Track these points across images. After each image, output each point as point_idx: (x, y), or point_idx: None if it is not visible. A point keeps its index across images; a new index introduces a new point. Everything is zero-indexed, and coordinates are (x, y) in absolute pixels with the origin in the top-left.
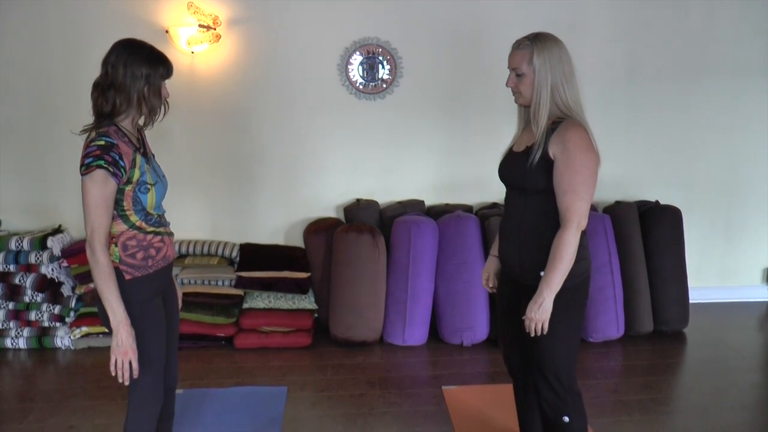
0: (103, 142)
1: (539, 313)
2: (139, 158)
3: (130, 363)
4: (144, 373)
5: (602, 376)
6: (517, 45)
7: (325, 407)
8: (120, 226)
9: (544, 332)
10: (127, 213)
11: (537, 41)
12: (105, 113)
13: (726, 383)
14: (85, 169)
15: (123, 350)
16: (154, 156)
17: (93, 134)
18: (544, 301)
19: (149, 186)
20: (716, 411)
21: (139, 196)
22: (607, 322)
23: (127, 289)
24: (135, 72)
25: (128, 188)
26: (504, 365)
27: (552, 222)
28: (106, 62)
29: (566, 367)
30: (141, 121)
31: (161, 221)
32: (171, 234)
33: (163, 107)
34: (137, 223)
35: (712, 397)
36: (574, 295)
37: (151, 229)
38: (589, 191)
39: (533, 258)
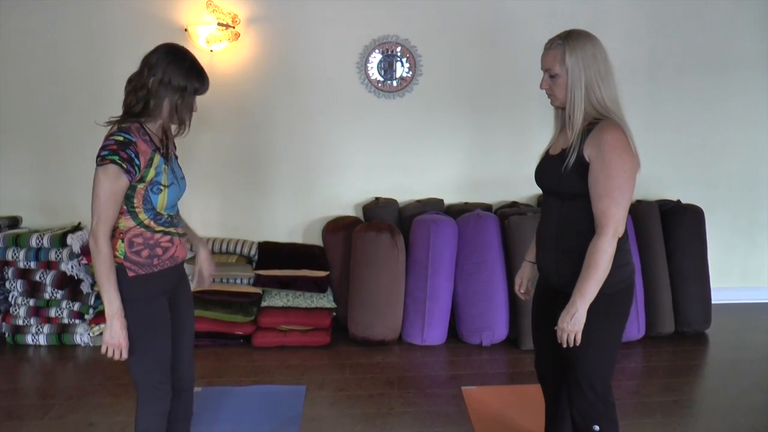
0: (121, 138)
1: (571, 324)
2: (157, 158)
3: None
4: (148, 372)
5: (623, 377)
6: (549, 45)
7: (344, 406)
8: (128, 222)
9: (577, 343)
10: (137, 210)
11: (569, 40)
12: (134, 113)
13: (749, 385)
14: (100, 160)
15: (116, 342)
16: (177, 157)
17: (114, 128)
18: (577, 311)
19: (162, 187)
20: (740, 413)
21: (150, 196)
22: (629, 322)
23: (130, 286)
24: (172, 81)
25: (140, 186)
26: (525, 364)
27: (590, 227)
28: (146, 62)
29: (602, 377)
30: (173, 131)
31: (172, 222)
32: (183, 235)
33: (188, 125)
34: (146, 222)
35: (736, 400)
36: (615, 303)
37: (160, 228)
38: (626, 196)
39: (570, 265)
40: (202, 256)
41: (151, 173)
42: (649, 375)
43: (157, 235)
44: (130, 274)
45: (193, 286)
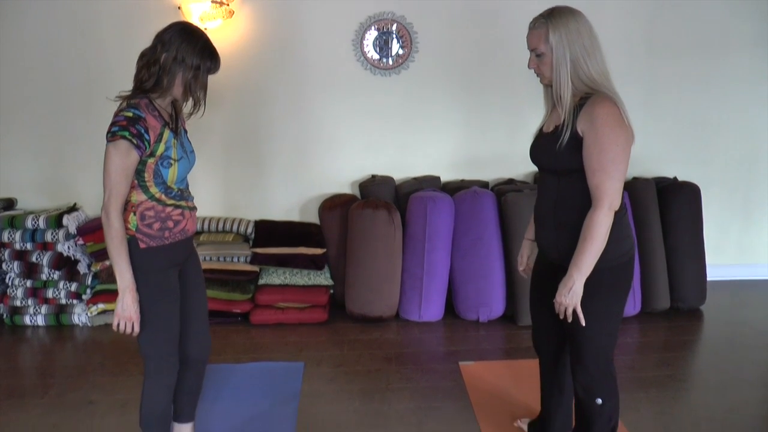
0: (131, 114)
1: (569, 297)
2: (167, 133)
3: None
4: (156, 343)
5: (619, 352)
6: (533, 24)
7: (342, 382)
8: (140, 196)
9: (579, 316)
10: (147, 184)
11: (552, 17)
12: (145, 88)
13: (743, 360)
14: (111, 136)
15: (127, 315)
16: (186, 132)
17: (124, 104)
18: (574, 284)
19: (172, 161)
20: (734, 388)
21: (161, 170)
22: None
23: (141, 258)
24: (185, 59)
25: (151, 161)
26: (522, 340)
27: (587, 202)
28: (160, 38)
29: (604, 350)
30: (186, 109)
31: (183, 195)
32: (193, 208)
33: (203, 103)
34: (157, 195)
35: (730, 374)
36: (617, 277)
37: (171, 201)
38: (620, 168)
39: (569, 240)
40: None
41: (161, 148)
42: (644, 350)
43: (169, 209)
44: (142, 245)
45: None
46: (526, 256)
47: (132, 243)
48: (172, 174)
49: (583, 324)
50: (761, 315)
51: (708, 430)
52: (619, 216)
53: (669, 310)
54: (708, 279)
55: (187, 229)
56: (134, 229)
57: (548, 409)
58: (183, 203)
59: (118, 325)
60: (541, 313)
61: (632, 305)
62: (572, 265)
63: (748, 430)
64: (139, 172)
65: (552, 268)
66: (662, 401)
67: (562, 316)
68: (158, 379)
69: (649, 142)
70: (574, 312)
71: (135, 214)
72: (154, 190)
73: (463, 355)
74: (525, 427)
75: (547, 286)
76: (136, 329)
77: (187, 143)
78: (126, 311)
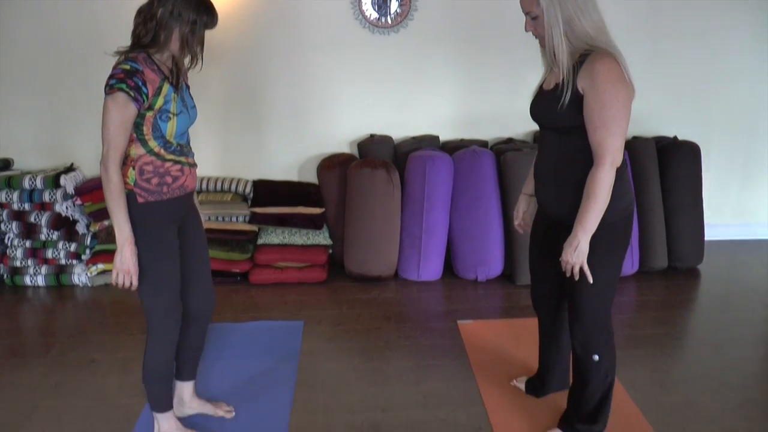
0: (128, 67)
1: (575, 256)
2: (166, 87)
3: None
4: (157, 298)
5: (616, 311)
6: None
7: (342, 340)
8: (139, 150)
9: (585, 274)
10: (146, 138)
11: None
12: (143, 44)
13: (739, 319)
14: (109, 89)
15: (125, 268)
16: (188, 87)
17: (122, 58)
18: (579, 243)
19: (171, 115)
20: (729, 345)
21: (159, 124)
22: None
23: (140, 212)
24: (183, 14)
25: (149, 114)
26: (520, 299)
27: (588, 159)
28: None
29: (603, 307)
30: (186, 64)
31: (183, 150)
32: (193, 165)
33: (201, 57)
34: (155, 149)
35: (725, 332)
36: (617, 232)
37: (171, 157)
38: (622, 125)
39: (570, 197)
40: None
41: (160, 101)
42: (641, 309)
43: (168, 164)
44: (140, 200)
45: None
46: (522, 210)
47: (130, 197)
48: (170, 128)
49: (591, 281)
50: (758, 274)
51: (702, 386)
52: (619, 172)
53: (666, 269)
54: (706, 238)
55: (186, 186)
56: (132, 184)
57: (546, 367)
58: (182, 159)
59: (117, 278)
60: (540, 270)
61: (630, 264)
62: (577, 223)
63: (742, 387)
64: (137, 126)
65: (553, 226)
66: (658, 359)
67: (568, 275)
68: (160, 335)
69: (649, 102)
70: (581, 270)
71: (134, 169)
72: (152, 144)
73: (461, 313)
74: (522, 387)
75: (547, 244)
76: (135, 283)
77: (189, 98)
78: (124, 264)
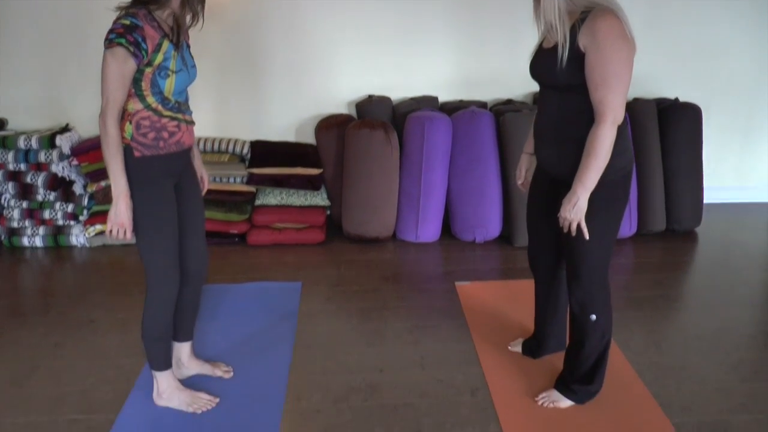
0: (128, 22)
1: (573, 213)
2: (166, 44)
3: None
4: (155, 254)
5: (613, 273)
6: None
7: (340, 301)
8: (136, 105)
9: (583, 231)
10: (144, 93)
11: None
12: (144, 0)
13: (736, 281)
14: (108, 43)
15: (119, 221)
16: (189, 46)
17: (122, 13)
18: (578, 200)
19: (170, 72)
20: (725, 307)
21: (158, 80)
22: None
23: (136, 166)
24: None
25: (148, 70)
26: (518, 261)
27: (589, 117)
28: None
29: (599, 265)
30: (187, 21)
31: (180, 108)
32: (191, 122)
33: (202, 15)
34: (153, 105)
35: (722, 294)
36: (615, 191)
37: (168, 113)
38: (623, 82)
39: (571, 155)
40: (197, 161)
41: (159, 58)
42: (638, 271)
43: (165, 120)
44: (136, 154)
45: None
46: (524, 169)
47: (127, 151)
48: (169, 85)
49: (587, 238)
50: (756, 237)
51: (697, 347)
52: (619, 130)
53: (665, 231)
54: (705, 201)
55: (183, 142)
56: (129, 138)
57: (542, 328)
58: (180, 116)
59: (111, 230)
60: (538, 228)
61: (628, 227)
62: (576, 180)
63: (735, 348)
64: (136, 81)
65: (551, 184)
66: (654, 320)
67: (566, 231)
68: (159, 292)
69: (651, 63)
70: (579, 227)
71: (131, 123)
72: (150, 99)
73: (459, 275)
74: (519, 349)
75: (546, 203)
76: (128, 236)
77: (189, 57)
78: (119, 217)
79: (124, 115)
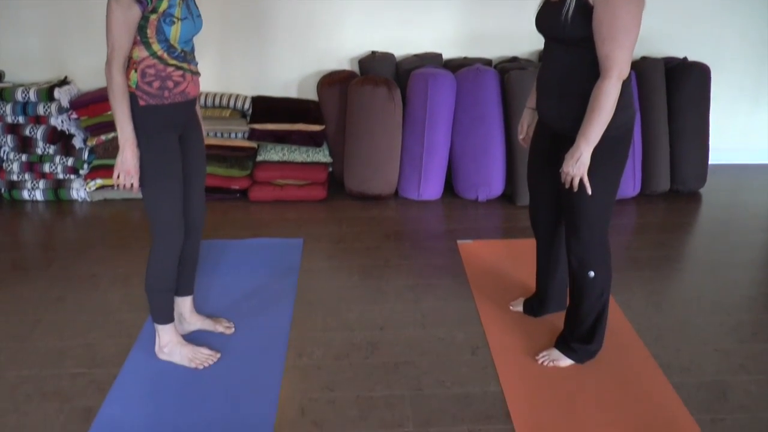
0: None
1: (576, 168)
2: None
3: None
4: (160, 205)
5: (615, 233)
6: None
7: (341, 258)
8: (142, 53)
9: (585, 186)
10: (150, 41)
11: None
12: None
13: (738, 242)
14: None
15: (126, 168)
16: None
17: None
18: (581, 155)
19: (175, 19)
20: (726, 268)
21: (163, 27)
22: (624, 179)
23: (141, 115)
24: None
25: (153, 17)
26: (520, 220)
27: (595, 71)
28: None
29: (600, 222)
30: None
31: (186, 57)
32: (196, 73)
33: None
34: (158, 53)
35: (724, 255)
36: (616, 146)
37: (173, 62)
38: (631, 38)
39: (574, 110)
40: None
41: (164, 4)
42: (641, 231)
43: (170, 69)
44: (141, 103)
45: None
46: (526, 124)
47: (132, 100)
48: (174, 32)
49: (590, 193)
50: (760, 199)
51: (698, 309)
52: (623, 86)
53: (668, 192)
54: (710, 162)
55: (188, 92)
56: (134, 86)
57: (543, 287)
58: (185, 65)
59: (118, 178)
60: (539, 185)
61: (632, 187)
62: (580, 135)
63: (737, 310)
64: (141, 28)
65: (552, 140)
66: (655, 281)
67: (567, 186)
68: (165, 243)
69: (659, 21)
70: (580, 182)
71: (136, 71)
72: (156, 47)
73: (461, 233)
74: (520, 309)
75: (547, 158)
76: (135, 184)
77: (194, 7)
78: (125, 164)
79: (129, 63)
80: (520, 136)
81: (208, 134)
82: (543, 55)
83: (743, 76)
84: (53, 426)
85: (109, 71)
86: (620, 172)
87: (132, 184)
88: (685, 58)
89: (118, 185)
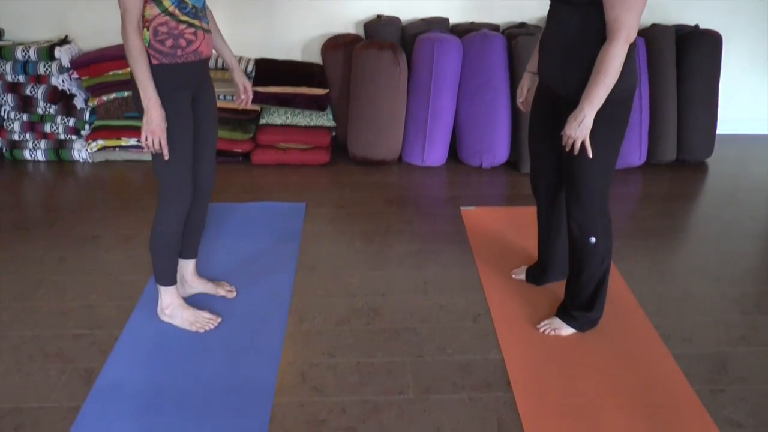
0: None
1: (579, 130)
2: None
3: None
4: (170, 168)
5: (620, 201)
6: None
7: (344, 223)
8: (153, 10)
9: (586, 150)
10: None
11: None
12: None
13: (743, 213)
14: None
15: (152, 128)
16: None
17: None
18: (584, 117)
19: None
20: (731, 239)
21: None
22: (630, 148)
23: (154, 74)
24: None
25: None
26: (524, 187)
27: (601, 35)
28: None
29: (601, 188)
30: None
31: (197, 14)
32: (207, 31)
33: None
34: (170, 9)
35: (728, 226)
36: (618, 111)
37: (185, 18)
38: (640, 2)
39: (579, 73)
40: (237, 72)
41: None
42: (646, 200)
43: (182, 26)
44: (154, 61)
45: (240, 103)
46: (526, 88)
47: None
48: None
49: (591, 156)
50: (766, 170)
51: (701, 279)
52: (629, 50)
53: (675, 161)
54: (718, 132)
55: (201, 51)
56: (147, 45)
57: (545, 254)
58: (196, 22)
59: (146, 140)
60: (540, 149)
61: (638, 155)
62: (584, 97)
63: (740, 281)
64: None
65: (553, 104)
66: (659, 251)
67: (568, 149)
68: (172, 205)
69: None
70: (582, 145)
71: (148, 30)
72: (167, 3)
73: (464, 200)
74: (522, 277)
75: (548, 122)
76: (164, 143)
77: None
78: (151, 124)
79: (142, 22)
80: (519, 100)
81: None
82: (548, 16)
83: (755, 44)
84: (55, 386)
85: (124, 33)
86: (620, 137)
87: (161, 144)
88: (696, 26)
89: (146, 147)
